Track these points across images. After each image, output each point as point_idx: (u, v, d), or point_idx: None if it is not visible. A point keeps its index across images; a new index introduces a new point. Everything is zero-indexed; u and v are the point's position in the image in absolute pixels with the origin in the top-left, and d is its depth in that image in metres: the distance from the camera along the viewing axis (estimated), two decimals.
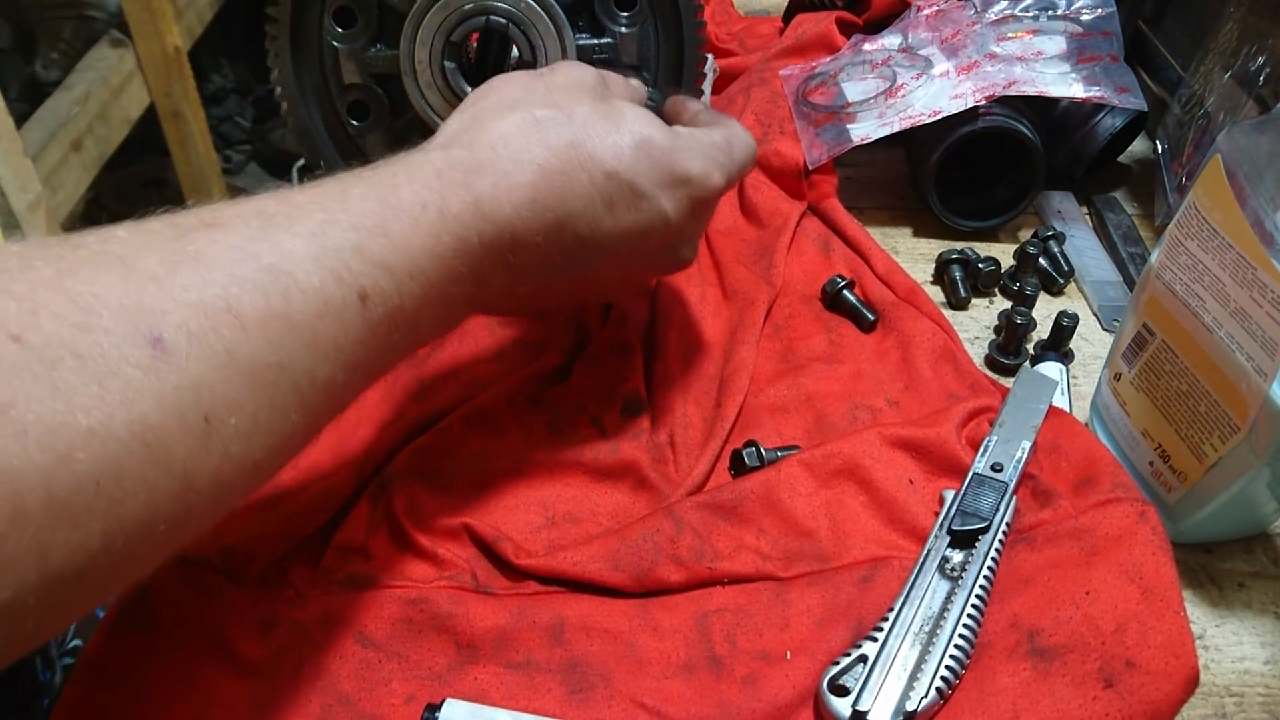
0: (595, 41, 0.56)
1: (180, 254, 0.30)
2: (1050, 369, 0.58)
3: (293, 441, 0.33)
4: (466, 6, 0.52)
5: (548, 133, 0.41)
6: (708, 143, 0.45)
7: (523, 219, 0.39)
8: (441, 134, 0.41)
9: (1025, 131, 0.67)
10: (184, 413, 0.28)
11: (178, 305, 0.29)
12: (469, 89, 0.54)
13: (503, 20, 0.53)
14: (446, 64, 0.54)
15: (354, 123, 0.59)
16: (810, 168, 0.69)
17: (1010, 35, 0.72)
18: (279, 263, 0.32)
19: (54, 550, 0.25)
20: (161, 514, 0.28)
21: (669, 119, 0.48)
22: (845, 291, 0.61)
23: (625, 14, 0.56)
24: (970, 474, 0.47)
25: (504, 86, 0.44)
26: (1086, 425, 0.54)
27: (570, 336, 0.56)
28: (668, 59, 0.57)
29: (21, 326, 0.26)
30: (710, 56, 0.57)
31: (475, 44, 0.54)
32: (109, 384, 0.27)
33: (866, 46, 0.78)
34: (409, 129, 0.58)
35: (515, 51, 0.54)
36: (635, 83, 0.51)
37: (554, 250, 0.41)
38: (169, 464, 0.28)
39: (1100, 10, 0.72)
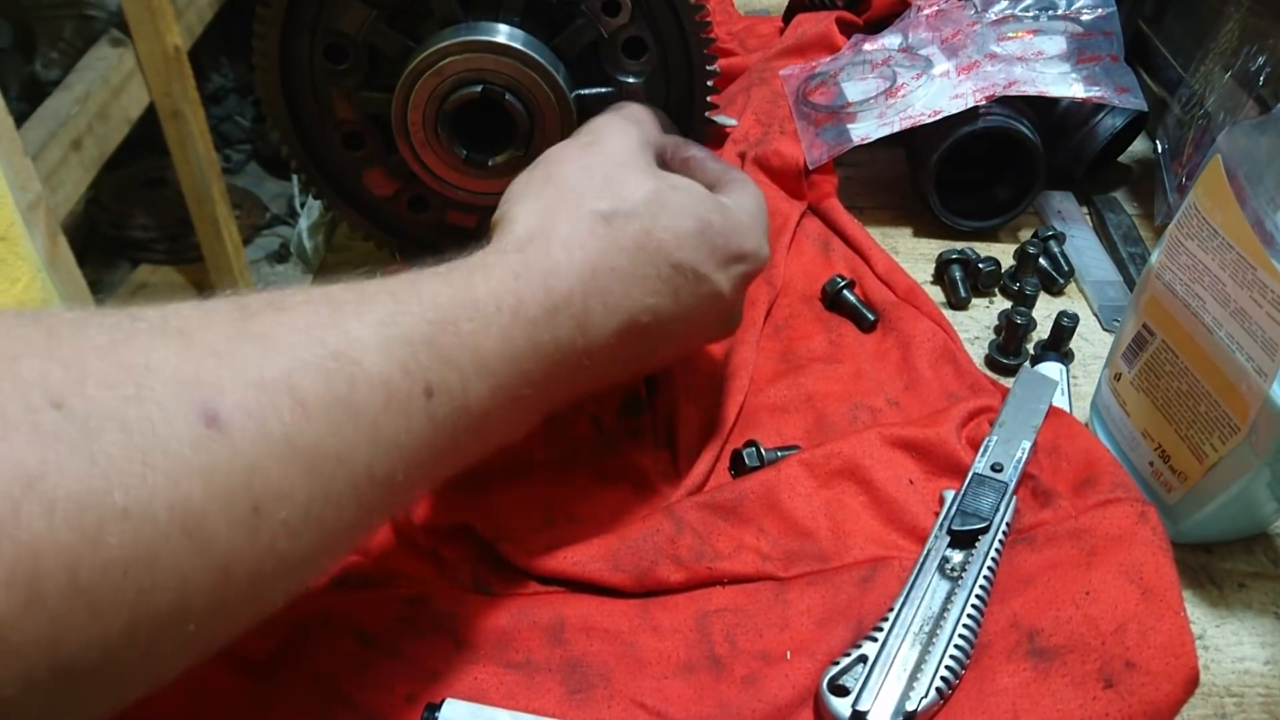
0: (598, 91, 0.54)
1: (244, 333, 0.29)
2: (1050, 369, 0.58)
3: (342, 539, 0.31)
4: (460, 73, 0.51)
5: (615, 230, 0.40)
6: (752, 213, 0.45)
7: (595, 322, 0.39)
8: (511, 230, 0.40)
9: (1025, 131, 0.67)
10: (233, 499, 0.26)
11: (236, 384, 0.27)
12: (465, 152, 0.53)
13: (499, 88, 0.51)
14: (440, 131, 0.52)
15: (349, 154, 0.57)
16: (810, 167, 0.69)
17: (1010, 35, 0.72)
18: (346, 349, 0.30)
19: (69, 641, 0.23)
20: (194, 609, 0.26)
21: (669, 165, 0.48)
22: (845, 291, 0.61)
23: (634, 62, 0.54)
24: (970, 474, 0.47)
25: (559, 170, 0.43)
26: (1086, 425, 0.54)
27: None
28: (676, 109, 0.56)
29: (65, 393, 0.24)
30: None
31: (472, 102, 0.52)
32: (154, 460, 0.24)
33: (866, 46, 0.78)
34: (405, 163, 0.56)
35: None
36: (668, 134, 0.50)
37: (623, 347, 0.41)
38: (208, 554, 0.26)
39: (1100, 10, 0.72)
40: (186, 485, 0.25)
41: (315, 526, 0.29)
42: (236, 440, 0.26)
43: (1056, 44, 0.72)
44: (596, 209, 0.40)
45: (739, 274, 0.44)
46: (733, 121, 0.73)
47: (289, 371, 0.29)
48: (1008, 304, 0.65)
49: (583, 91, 0.54)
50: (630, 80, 0.54)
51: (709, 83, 0.55)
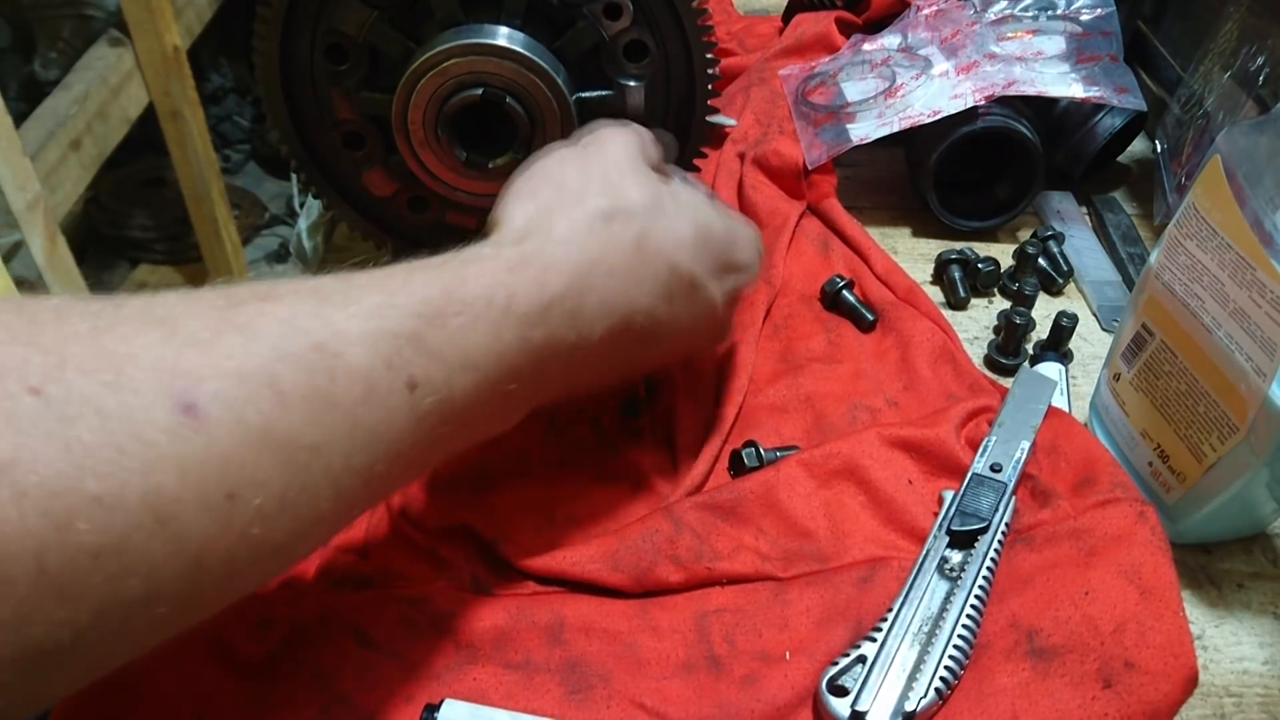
0: (598, 94, 0.54)
1: (227, 323, 0.29)
2: (1049, 369, 0.58)
3: (320, 527, 0.32)
4: (461, 75, 0.51)
5: (614, 230, 0.40)
6: (750, 234, 0.47)
7: (588, 320, 0.39)
8: (509, 225, 0.40)
9: (1025, 131, 0.67)
10: (206, 488, 0.26)
11: (216, 373, 0.27)
12: (465, 154, 0.53)
13: (500, 90, 0.51)
14: (440, 133, 0.52)
15: (349, 154, 0.57)
16: (809, 167, 0.69)
17: (1010, 35, 0.72)
18: (328, 341, 0.31)
19: (36, 623, 0.23)
20: (165, 594, 0.26)
21: None
22: (844, 291, 0.61)
23: (635, 65, 0.54)
24: (969, 474, 0.47)
25: (558, 170, 0.42)
26: (1085, 425, 0.54)
27: None
28: (676, 112, 0.55)
29: (43, 379, 0.24)
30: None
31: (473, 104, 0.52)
32: (129, 448, 0.25)
33: (866, 46, 0.78)
34: (404, 164, 0.56)
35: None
36: (669, 137, 0.50)
37: (616, 346, 0.41)
38: (180, 541, 0.26)
39: (1099, 10, 0.72)
40: (160, 473, 0.25)
41: (290, 515, 0.29)
42: (212, 429, 0.27)
43: (1055, 44, 0.72)
44: (597, 207, 0.40)
45: (732, 286, 0.45)
46: (732, 121, 0.73)
47: (269, 362, 0.29)
48: (1007, 304, 0.65)
49: (583, 94, 0.54)
50: (631, 83, 0.54)
51: (709, 86, 0.55)
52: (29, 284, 1.25)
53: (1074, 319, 0.59)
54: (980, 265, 0.65)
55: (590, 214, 0.40)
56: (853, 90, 0.74)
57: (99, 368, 0.25)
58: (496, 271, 0.37)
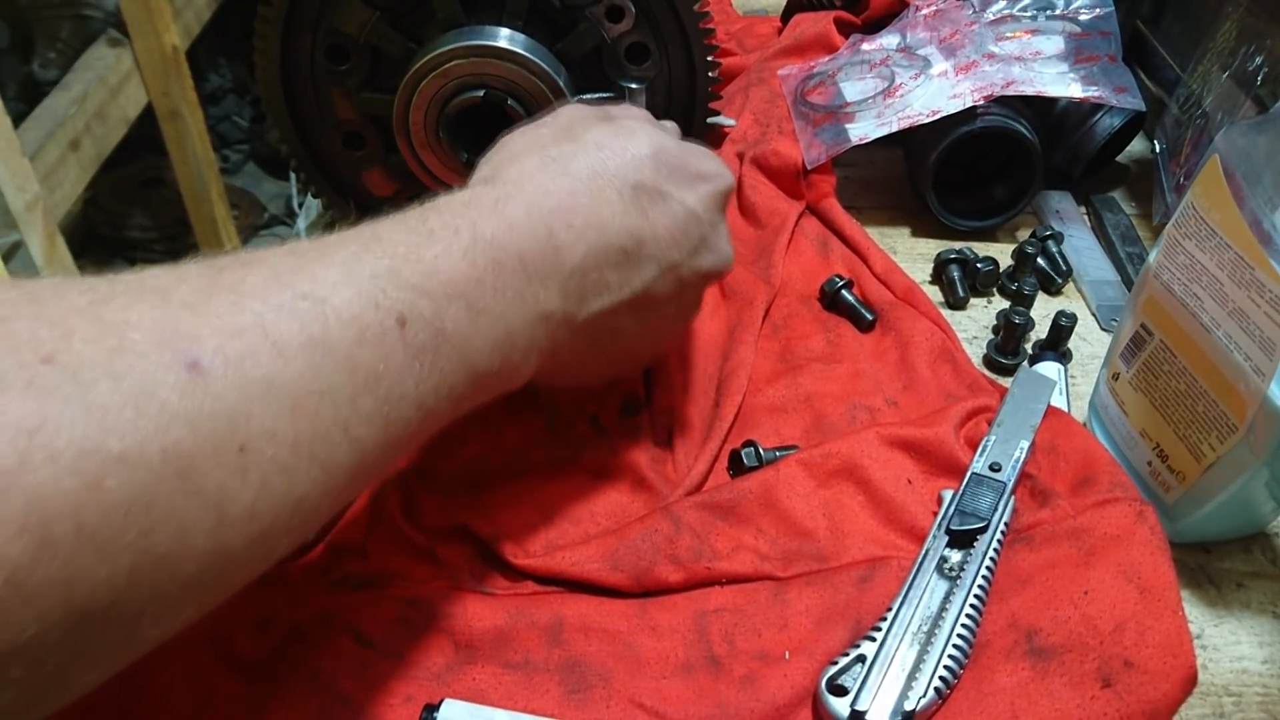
0: (600, 96, 0.54)
1: (216, 285, 0.30)
2: (1048, 369, 0.58)
3: (339, 477, 0.32)
4: (463, 76, 0.51)
5: (568, 163, 0.42)
6: (709, 152, 0.47)
7: (564, 241, 0.40)
8: (468, 183, 0.42)
9: (1023, 131, 0.67)
10: (219, 441, 0.27)
11: (213, 331, 0.28)
12: (466, 155, 0.53)
13: (501, 92, 0.51)
14: (441, 134, 0.52)
15: (349, 154, 0.57)
16: (808, 167, 0.69)
17: (1008, 35, 0.72)
18: (314, 290, 0.32)
19: (81, 582, 0.24)
20: (193, 549, 0.27)
21: None
22: (843, 291, 0.61)
23: (636, 67, 0.54)
24: (968, 474, 0.47)
25: (514, 139, 0.45)
26: (1085, 425, 0.54)
27: None
28: (677, 113, 0.55)
29: (54, 349, 0.25)
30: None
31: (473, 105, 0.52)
32: (144, 407, 0.26)
33: (865, 46, 0.78)
34: (405, 164, 0.56)
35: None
36: (641, 111, 0.51)
37: (606, 271, 0.41)
38: (201, 494, 0.27)
39: (1098, 10, 0.72)
40: (175, 430, 0.26)
41: (308, 463, 0.30)
42: (218, 385, 0.28)
43: (1054, 44, 0.72)
44: (545, 153, 0.42)
45: (707, 193, 0.45)
46: (731, 122, 0.73)
47: (261, 316, 0.30)
48: (1006, 304, 0.65)
49: (585, 96, 0.54)
50: (633, 85, 0.54)
51: (710, 87, 0.55)
52: None
53: (1073, 319, 0.59)
54: (979, 265, 0.65)
55: (540, 158, 0.42)
56: (851, 90, 0.74)
57: (103, 335, 0.26)
58: (454, 208, 0.38)
